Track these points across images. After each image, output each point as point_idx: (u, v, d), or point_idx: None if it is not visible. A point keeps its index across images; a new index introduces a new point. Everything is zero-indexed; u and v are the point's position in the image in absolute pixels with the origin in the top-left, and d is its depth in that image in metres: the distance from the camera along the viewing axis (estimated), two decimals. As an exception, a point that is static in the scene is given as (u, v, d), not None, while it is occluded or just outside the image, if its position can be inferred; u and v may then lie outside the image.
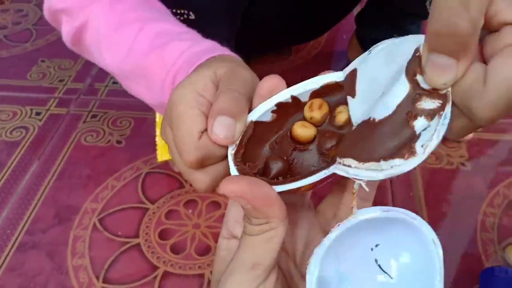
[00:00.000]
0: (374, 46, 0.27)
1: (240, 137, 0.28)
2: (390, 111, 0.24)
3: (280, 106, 0.29)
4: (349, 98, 0.27)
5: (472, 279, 0.59)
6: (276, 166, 0.28)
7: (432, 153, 0.24)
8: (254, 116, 0.29)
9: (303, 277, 0.29)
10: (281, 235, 0.26)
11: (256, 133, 0.29)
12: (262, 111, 0.29)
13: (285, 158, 0.29)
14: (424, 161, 0.23)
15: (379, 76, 0.26)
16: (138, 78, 0.48)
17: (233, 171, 0.28)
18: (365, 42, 0.87)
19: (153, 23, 0.47)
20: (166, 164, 0.75)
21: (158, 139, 0.73)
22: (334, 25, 0.91)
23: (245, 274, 0.25)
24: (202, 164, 0.30)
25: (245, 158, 0.28)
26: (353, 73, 0.27)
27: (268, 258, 0.26)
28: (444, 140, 0.24)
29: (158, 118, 0.72)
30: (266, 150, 0.29)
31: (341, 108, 0.28)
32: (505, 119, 0.81)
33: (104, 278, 0.62)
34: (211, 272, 0.62)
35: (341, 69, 0.29)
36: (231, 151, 0.28)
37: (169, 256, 0.64)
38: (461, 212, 0.67)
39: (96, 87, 0.93)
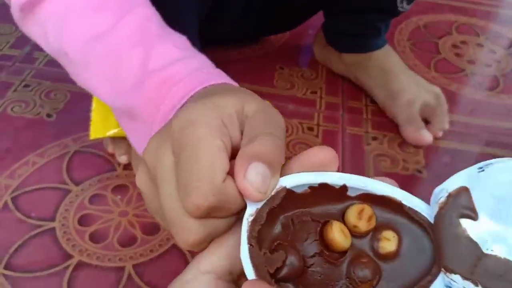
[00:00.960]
0: (485, 163, 0.23)
1: (262, 203, 0.22)
2: None
3: (323, 185, 0.23)
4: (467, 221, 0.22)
5: None
6: (291, 266, 0.22)
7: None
8: (288, 182, 0.23)
9: None
10: None
11: (281, 204, 0.23)
12: (301, 182, 0.23)
13: (302, 255, 0.23)
14: None
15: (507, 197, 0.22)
16: (103, 66, 0.39)
17: (245, 253, 0.22)
18: (331, 36, 0.83)
19: (143, 8, 0.39)
20: (99, 143, 0.67)
21: (93, 113, 0.65)
22: (305, 20, 0.87)
23: None
24: (210, 214, 0.23)
25: (260, 232, 0.22)
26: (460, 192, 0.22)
27: None
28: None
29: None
30: (278, 226, 0.23)
31: (390, 234, 0.23)
32: (466, 129, 0.77)
33: (6, 264, 0.53)
34: (132, 266, 0.54)
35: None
36: (248, 217, 0.22)
37: (87, 245, 0.56)
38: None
39: (35, 56, 0.84)
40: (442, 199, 0.22)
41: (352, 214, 0.23)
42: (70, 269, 0.54)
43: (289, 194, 0.23)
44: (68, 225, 0.58)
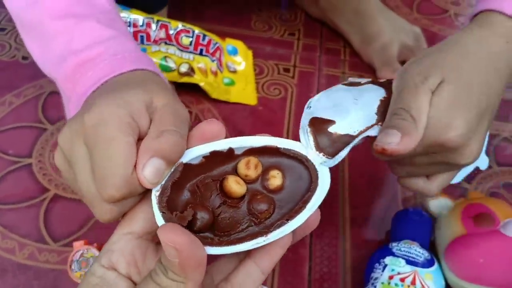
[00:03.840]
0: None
1: (166, 178, 0.28)
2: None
3: (213, 153, 0.29)
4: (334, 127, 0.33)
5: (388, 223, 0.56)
6: (202, 219, 0.27)
7: None
8: (185, 158, 0.28)
9: None
10: None
11: (182, 176, 0.28)
12: (195, 155, 0.29)
13: (211, 209, 0.28)
14: None
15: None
16: (35, 35, 0.41)
17: (159, 219, 0.27)
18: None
19: None
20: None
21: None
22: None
23: None
24: (122, 200, 0.28)
25: (168, 201, 0.27)
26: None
27: None
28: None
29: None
30: (186, 193, 0.29)
31: (275, 172, 0.29)
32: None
33: (-16, 197, 0.55)
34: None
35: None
36: (155, 192, 0.27)
37: (63, 180, 0.57)
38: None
39: None
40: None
41: (241, 167, 0.29)
42: (47, 201, 0.55)
43: (187, 167, 0.28)
44: (44, 161, 0.59)
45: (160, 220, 0.27)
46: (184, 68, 0.65)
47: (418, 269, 0.46)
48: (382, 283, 0.45)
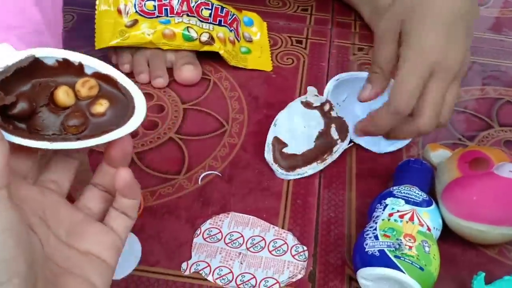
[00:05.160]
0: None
1: (13, 62, 0.31)
2: None
3: (66, 61, 0.33)
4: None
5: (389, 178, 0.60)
6: (22, 106, 0.31)
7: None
8: (38, 53, 0.32)
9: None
10: None
11: (28, 67, 0.32)
12: (50, 55, 0.32)
13: (34, 105, 0.32)
14: None
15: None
16: None
17: None
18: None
19: None
20: (104, 55, 0.73)
21: (97, 26, 0.72)
22: None
23: None
24: None
25: (3, 82, 0.31)
26: None
27: None
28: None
29: (98, 2, 0.71)
30: (26, 85, 0.32)
31: (103, 101, 0.34)
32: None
33: None
34: (135, 153, 0.62)
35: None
36: None
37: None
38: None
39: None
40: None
41: (78, 83, 0.34)
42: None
43: (38, 63, 0.32)
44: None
45: None
46: (205, 37, 0.71)
47: (417, 208, 0.50)
48: (383, 219, 0.49)
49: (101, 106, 0.33)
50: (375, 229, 0.48)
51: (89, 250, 0.33)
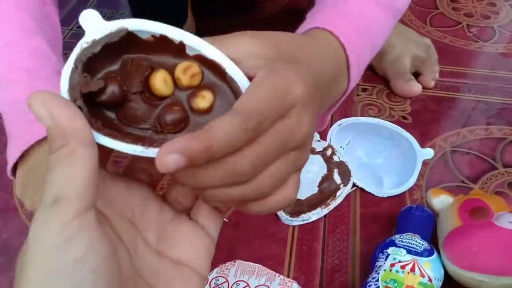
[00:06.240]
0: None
1: (101, 36, 0.25)
2: None
3: (163, 37, 0.26)
4: None
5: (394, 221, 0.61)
6: (112, 91, 0.25)
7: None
8: (131, 24, 0.25)
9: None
10: (84, 158, 0.22)
11: (120, 41, 0.25)
12: (145, 29, 0.26)
13: (126, 89, 0.26)
14: None
15: None
16: None
17: (66, 72, 0.24)
18: None
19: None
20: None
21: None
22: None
23: (47, 211, 0.21)
24: None
25: (91, 59, 0.25)
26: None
27: (71, 188, 0.21)
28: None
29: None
30: (116, 63, 0.26)
31: (207, 94, 0.26)
32: (453, 79, 0.82)
33: None
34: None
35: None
36: (83, 43, 0.25)
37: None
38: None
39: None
40: None
41: (179, 68, 0.26)
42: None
43: (131, 36, 0.25)
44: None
45: (65, 74, 0.24)
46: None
47: (418, 258, 0.51)
48: (385, 270, 0.50)
49: (204, 101, 0.26)
50: (377, 280, 0.49)
51: (180, 259, 0.27)
